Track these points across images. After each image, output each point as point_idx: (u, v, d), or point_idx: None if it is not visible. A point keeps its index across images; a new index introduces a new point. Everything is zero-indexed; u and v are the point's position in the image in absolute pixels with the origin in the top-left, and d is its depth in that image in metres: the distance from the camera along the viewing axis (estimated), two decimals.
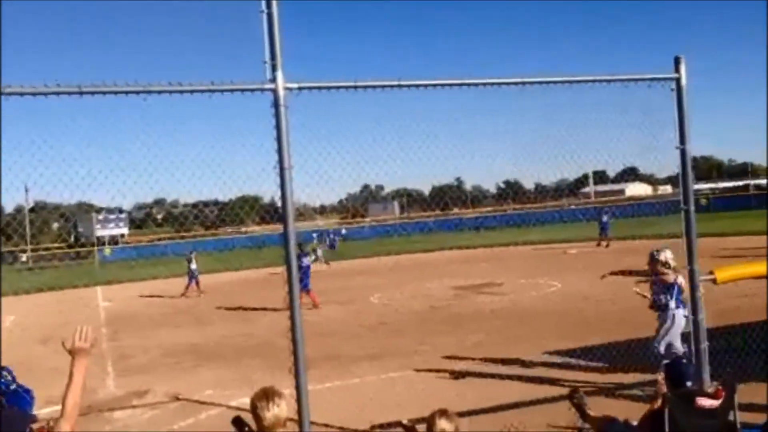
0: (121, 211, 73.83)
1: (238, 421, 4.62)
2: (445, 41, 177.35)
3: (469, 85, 5.66)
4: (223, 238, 60.60)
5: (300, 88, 5.17)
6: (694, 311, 6.06)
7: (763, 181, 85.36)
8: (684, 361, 4.93)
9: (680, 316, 9.11)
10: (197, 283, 26.78)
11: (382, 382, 10.55)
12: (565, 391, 9.02)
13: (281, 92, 5.08)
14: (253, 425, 4.05)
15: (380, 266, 33.69)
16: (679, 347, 9.20)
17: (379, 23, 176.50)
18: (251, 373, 11.73)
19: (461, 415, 4.35)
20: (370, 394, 9.99)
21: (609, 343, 10.78)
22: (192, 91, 4.99)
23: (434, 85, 5.59)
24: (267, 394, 4.01)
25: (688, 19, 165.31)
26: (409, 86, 5.48)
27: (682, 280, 9.66)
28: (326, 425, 8.20)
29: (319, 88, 5.29)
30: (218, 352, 14.44)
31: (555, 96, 6.09)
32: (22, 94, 4.60)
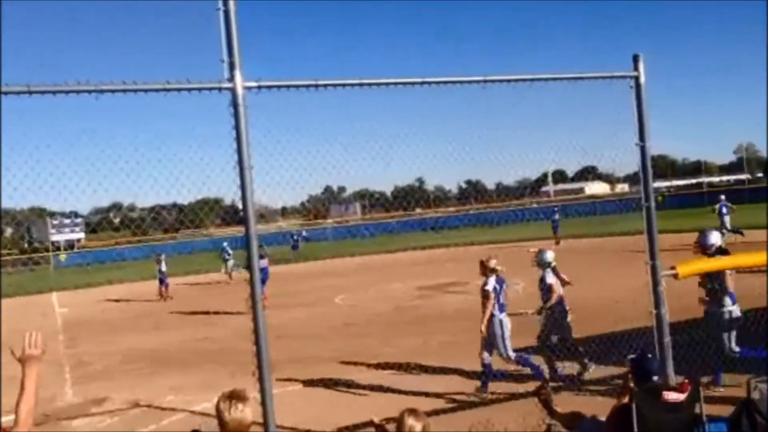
0: (76, 215, 72.39)
1: None
2: (412, 41, 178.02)
3: (430, 83, 5.59)
4: (183, 241, 59.68)
5: (259, 87, 5.03)
6: (657, 305, 6.10)
7: (716, 179, 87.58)
8: (649, 356, 4.95)
9: (506, 321, 9.42)
10: (166, 287, 26.41)
11: (347, 385, 10.44)
12: (532, 387, 9.10)
13: (240, 91, 4.94)
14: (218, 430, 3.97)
15: (344, 268, 33.58)
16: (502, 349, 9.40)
17: (346, 22, 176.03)
18: (213, 378, 11.53)
19: (428, 414, 4.31)
20: (336, 396, 9.91)
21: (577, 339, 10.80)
22: (147, 90, 4.82)
23: (395, 84, 5.51)
24: (231, 398, 3.99)
25: (644, 20, 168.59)
26: (370, 85, 5.39)
27: (551, 276, 10.00)
28: (292, 428, 8.09)
29: (279, 86, 5.15)
30: (179, 358, 14.16)
31: (514, 95, 6.07)
32: None
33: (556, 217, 36.89)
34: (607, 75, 6.12)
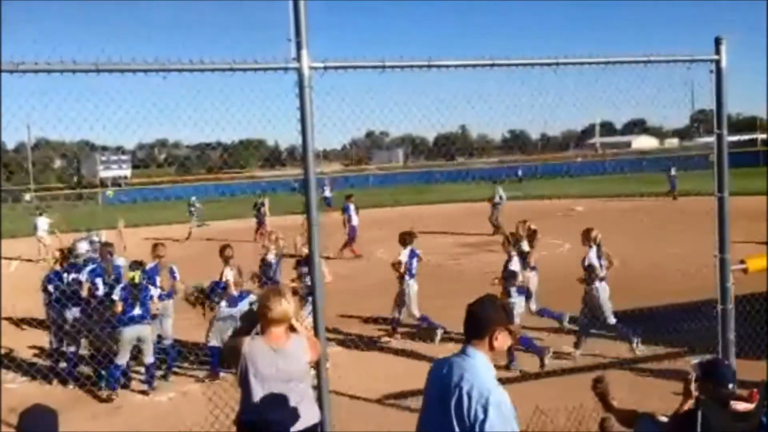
0: (123, 151, 73.59)
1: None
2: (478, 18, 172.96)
3: (500, 65, 5.39)
4: (225, 183, 60.16)
5: (325, 68, 4.96)
6: (723, 301, 5.93)
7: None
8: (726, 362, 4.78)
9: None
10: (263, 229, 26.05)
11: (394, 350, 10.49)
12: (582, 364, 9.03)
13: (306, 72, 4.85)
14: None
15: (385, 218, 33.40)
16: None
17: None
18: None
19: None
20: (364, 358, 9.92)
21: (629, 311, 10.56)
22: (213, 70, 4.78)
23: (464, 66, 5.33)
24: (275, 293, 4.47)
25: None
26: (438, 67, 5.23)
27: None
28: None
29: (345, 67, 5.06)
30: None
31: (583, 78, 5.76)
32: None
33: (673, 171, 35.51)
34: (686, 58, 5.82)
